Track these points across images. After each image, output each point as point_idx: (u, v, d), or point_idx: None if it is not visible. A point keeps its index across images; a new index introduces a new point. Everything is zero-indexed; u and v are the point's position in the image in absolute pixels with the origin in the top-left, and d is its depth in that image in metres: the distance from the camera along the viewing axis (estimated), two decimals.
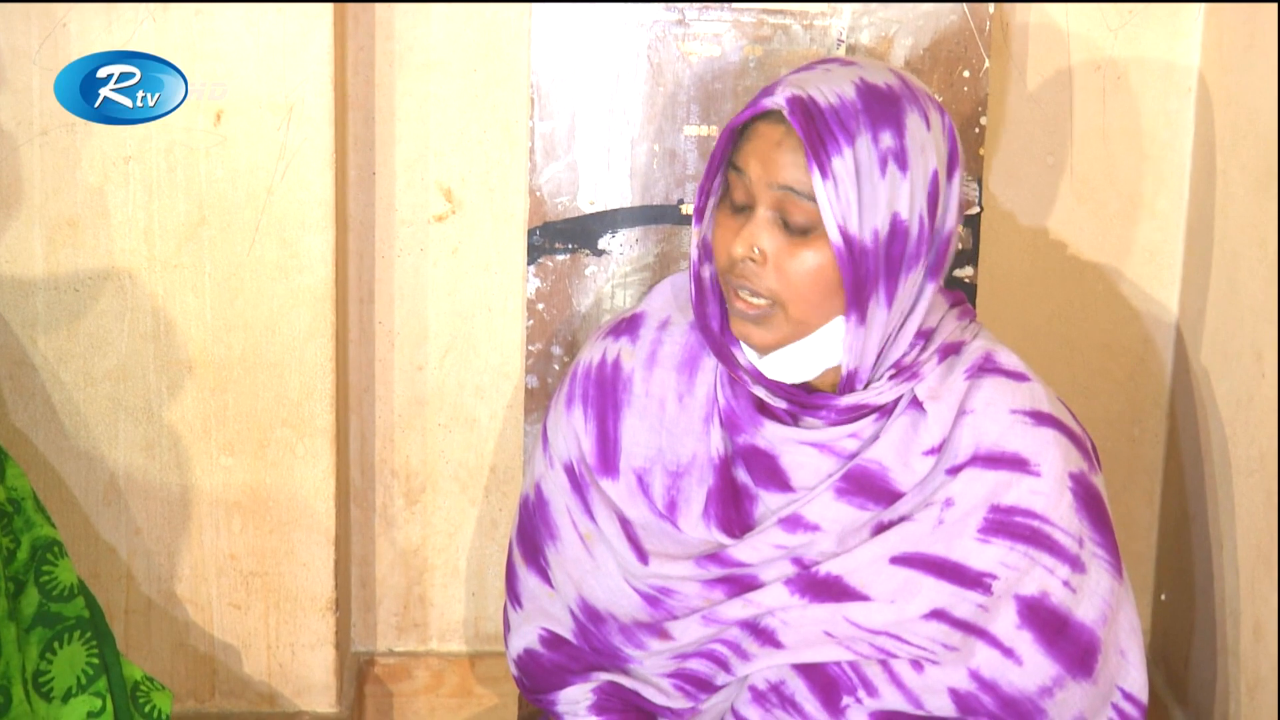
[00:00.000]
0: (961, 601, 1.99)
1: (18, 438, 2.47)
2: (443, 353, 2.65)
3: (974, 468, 1.98)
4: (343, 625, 2.63)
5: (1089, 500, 2.01)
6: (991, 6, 2.44)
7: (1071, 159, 2.61)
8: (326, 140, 2.42)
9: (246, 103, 2.40)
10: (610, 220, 2.49)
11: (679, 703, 2.11)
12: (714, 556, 2.03)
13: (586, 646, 2.15)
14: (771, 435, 2.03)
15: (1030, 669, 2.00)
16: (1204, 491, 2.52)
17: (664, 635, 2.07)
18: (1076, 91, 2.58)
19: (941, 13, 2.44)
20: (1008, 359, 2.04)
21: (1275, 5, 2.27)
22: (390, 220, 2.60)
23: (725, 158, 1.97)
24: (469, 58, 2.55)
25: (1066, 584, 2.00)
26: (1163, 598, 2.72)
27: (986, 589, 1.98)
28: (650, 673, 2.11)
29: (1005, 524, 1.98)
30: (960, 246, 2.50)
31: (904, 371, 1.99)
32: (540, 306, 2.51)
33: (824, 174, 1.88)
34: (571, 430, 2.13)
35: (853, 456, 2.01)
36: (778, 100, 1.90)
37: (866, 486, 2.00)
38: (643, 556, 2.07)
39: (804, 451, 2.02)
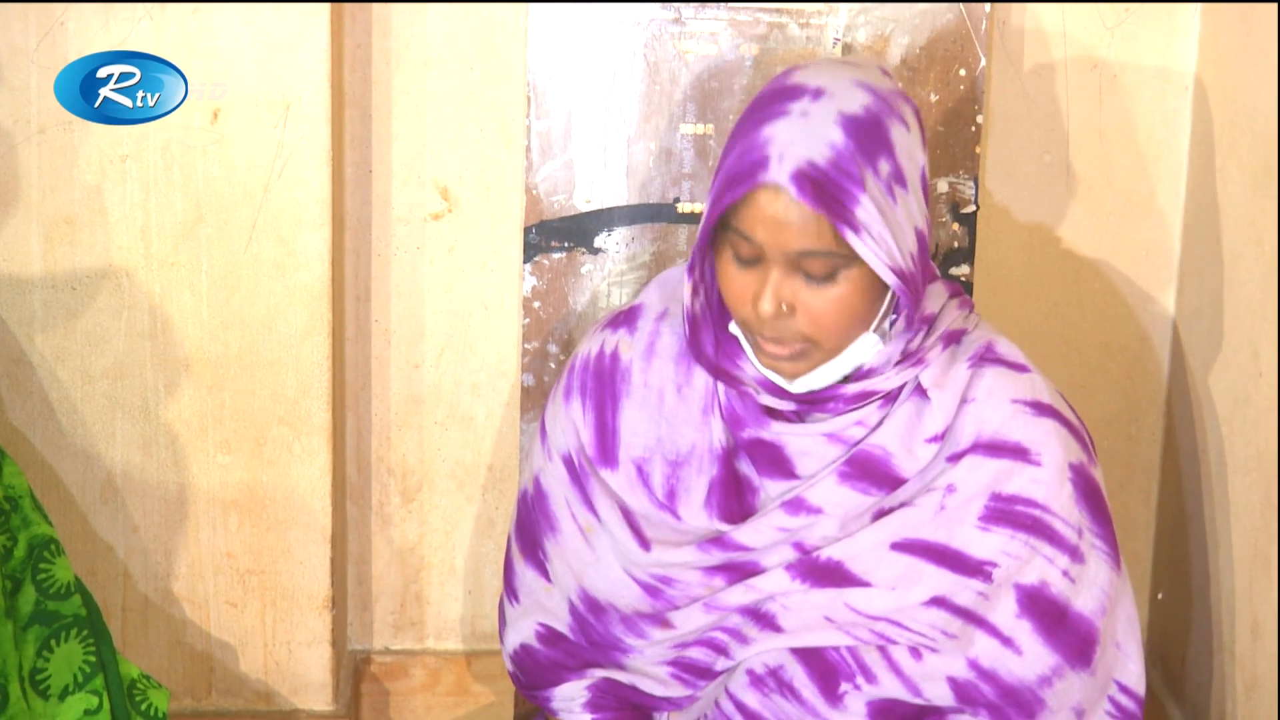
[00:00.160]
0: (962, 589, 1.99)
1: (15, 436, 2.47)
2: (439, 351, 2.65)
3: (975, 455, 1.99)
4: (339, 623, 2.63)
5: (1088, 491, 2.02)
6: (988, 5, 2.44)
7: (1068, 157, 2.61)
8: (323, 138, 2.42)
9: (243, 101, 2.40)
10: (606, 219, 2.49)
11: (677, 691, 2.11)
12: (716, 540, 2.04)
13: (584, 640, 2.15)
14: (778, 430, 2.04)
15: (1030, 658, 2.01)
16: (1201, 490, 2.52)
17: (666, 624, 2.07)
18: (1073, 90, 2.58)
19: (938, 11, 2.44)
20: (1008, 349, 2.05)
21: (1273, 4, 2.27)
22: (387, 218, 2.60)
23: (720, 217, 1.94)
24: (466, 56, 2.55)
25: (1066, 574, 2.00)
26: (1160, 597, 2.72)
27: (987, 577, 1.99)
28: (649, 662, 2.11)
29: (1006, 512, 1.99)
30: (956, 245, 2.50)
31: (910, 358, 2.00)
32: (536, 305, 2.51)
33: (855, 230, 1.87)
34: (570, 422, 2.13)
35: (858, 443, 2.01)
36: (778, 177, 1.87)
37: (870, 471, 2.00)
38: (645, 544, 2.07)
39: (810, 440, 2.03)
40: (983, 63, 2.45)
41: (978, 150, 2.48)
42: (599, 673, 2.15)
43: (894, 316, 1.99)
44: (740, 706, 2.07)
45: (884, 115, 1.91)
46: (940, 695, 2.03)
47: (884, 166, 1.89)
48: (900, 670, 2.03)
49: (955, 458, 2.00)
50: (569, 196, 2.48)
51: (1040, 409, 2.01)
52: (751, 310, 1.94)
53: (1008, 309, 2.64)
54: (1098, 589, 2.02)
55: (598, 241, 2.50)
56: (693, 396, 2.08)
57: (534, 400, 2.53)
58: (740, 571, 2.04)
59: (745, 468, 2.06)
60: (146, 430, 2.50)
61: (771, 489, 2.05)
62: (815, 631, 2.03)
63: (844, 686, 2.04)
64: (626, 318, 2.14)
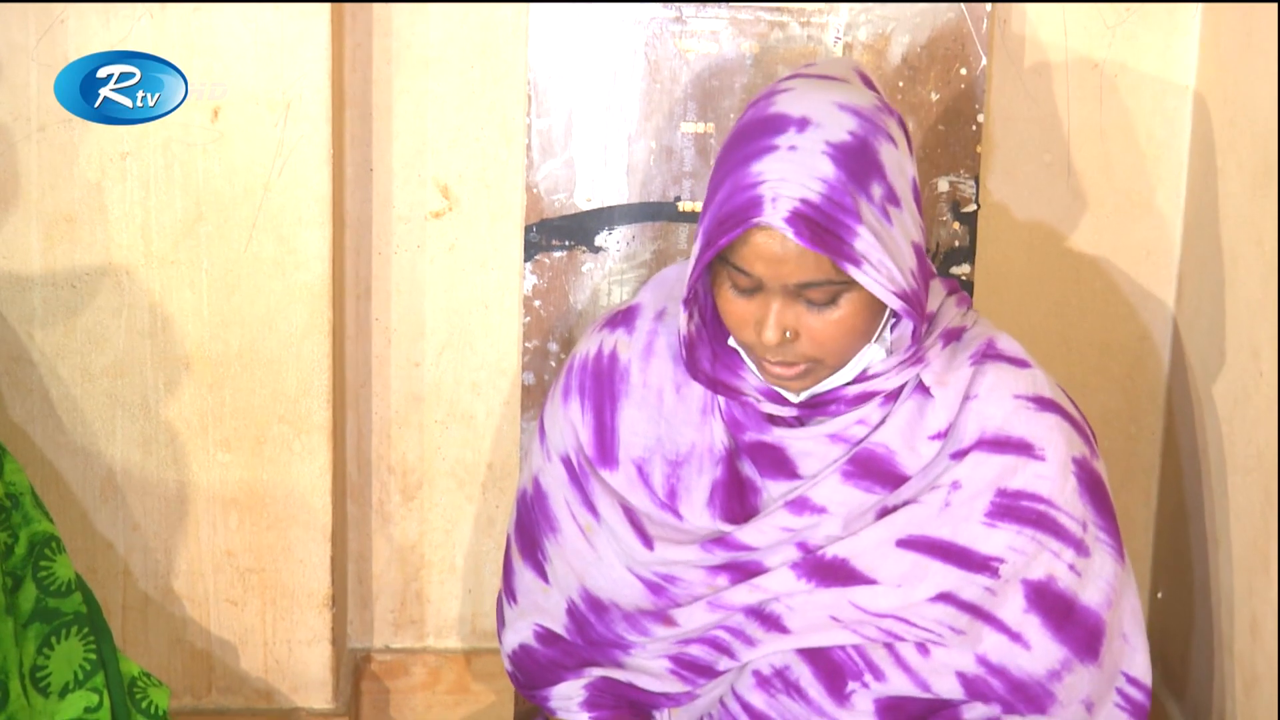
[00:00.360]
0: (968, 585, 2.00)
1: (15, 433, 2.47)
2: (440, 349, 2.65)
3: (980, 452, 1.99)
4: (339, 622, 2.63)
5: (1092, 485, 2.02)
6: (988, 5, 2.44)
7: (1069, 156, 2.61)
8: (324, 137, 2.42)
9: (244, 99, 2.40)
10: (607, 217, 2.49)
11: (675, 688, 2.11)
12: (719, 540, 2.04)
13: (582, 641, 2.15)
14: (780, 434, 2.04)
15: (1038, 653, 2.01)
16: (1201, 489, 2.52)
17: (669, 622, 2.07)
18: (1074, 89, 2.58)
19: (939, 10, 2.44)
20: (1008, 345, 2.05)
21: (1273, 4, 2.27)
22: (387, 217, 2.60)
23: (717, 251, 1.93)
24: (467, 55, 2.55)
25: (1072, 568, 2.01)
26: (1160, 595, 2.72)
27: (994, 573, 1.99)
28: (648, 657, 2.11)
29: (1012, 508, 1.99)
30: (957, 244, 2.50)
31: (910, 356, 2.00)
32: (537, 303, 2.51)
33: (856, 264, 1.87)
34: (569, 422, 2.13)
35: (860, 441, 2.01)
36: (772, 220, 1.86)
37: (873, 470, 2.00)
38: (647, 542, 2.07)
39: (812, 441, 2.03)
40: (983, 61, 2.45)
41: (978, 149, 2.48)
42: (597, 671, 2.15)
43: (894, 320, 2.00)
44: (747, 707, 2.07)
45: (871, 137, 1.90)
46: (949, 690, 2.03)
47: (876, 190, 1.89)
48: (908, 666, 2.03)
49: (959, 454, 2.00)
50: (569, 195, 2.48)
51: (1043, 404, 2.01)
52: (755, 337, 1.94)
53: (1008, 308, 2.64)
54: (1103, 582, 2.03)
55: (598, 240, 2.50)
56: (691, 396, 2.08)
57: (534, 399, 2.53)
58: (743, 571, 2.04)
59: (747, 469, 2.06)
60: (147, 428, 2.50)
61: (774, 489, 2.05)
62: (822, 631, 2.03)
63: (851, 685, 2.04)
64: (624, 317, 2.14)
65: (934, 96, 2.46)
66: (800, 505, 2.01)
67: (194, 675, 2.59)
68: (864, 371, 2.00)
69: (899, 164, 1.92)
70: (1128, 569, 2.06)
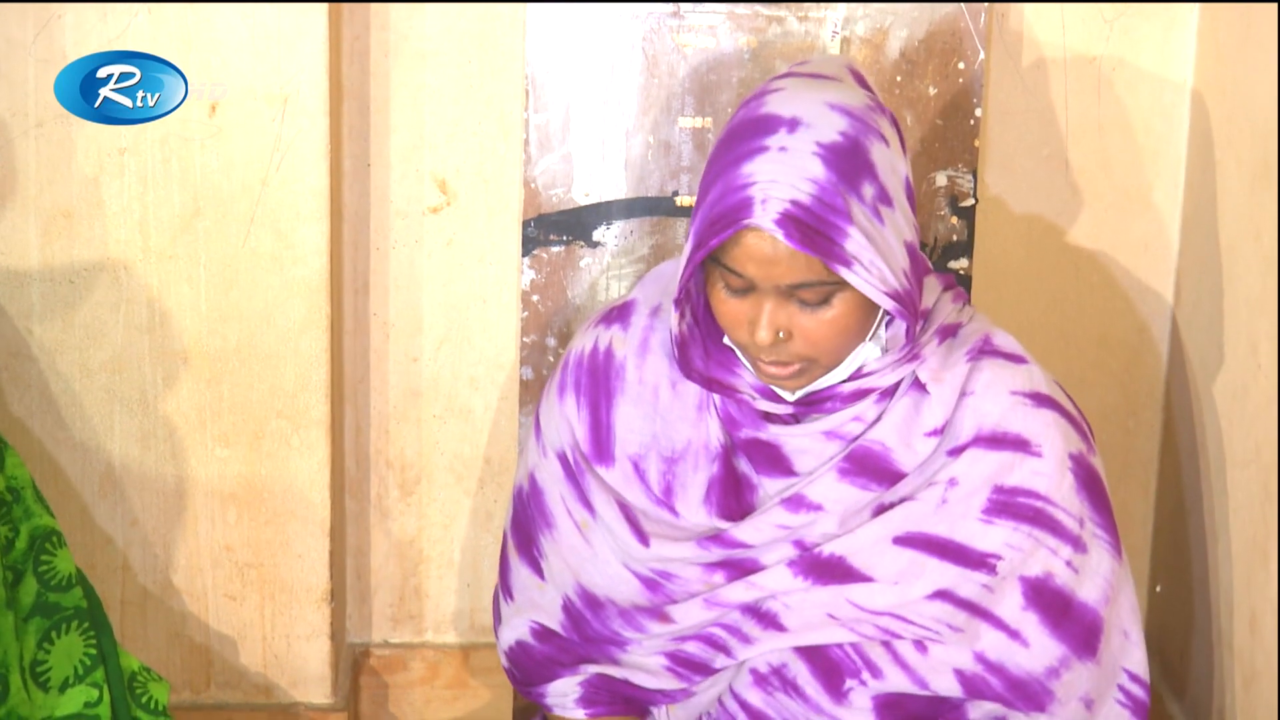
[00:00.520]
0: (966, 582, 2.00)
1: (16, 427, 2.47)
2: (438, 344, 2.65)
3: (976, 448, 1.99)
4: (338, 617, 2.63)
5: (1089, 481, 2.02)
6: (986, 3, 2.44)
7: (1067, 151, 2.61)
8: (321, 131, 2.42)
9: (241, 94, 2.40)
10: (605, 212, 2.49)
11: (670, 684, 2.11)
12: (715, 537, 2.04)
13: (578, 636, 2.15)
14: (776, 431, 2.04)
15: (1037, 650, 2.01)
16: (1199, 484, 2.52)
17: (664, 619, 2.07)
18: (1072, 83, 2.58)
19: (937, 5, 2.44)
20: (1005, 341, 2.05)
21: (1272, 2, 2.27)
22: (385, 212, 2.60)
23: (709, 252, 1.93)
24: (464, 49, 2.55)
25: (1069, 564, 2.01)
26: (1158, 590, 2.72)
27: (991, 569, 1.99)
28: (644, 654, 2.11)
29: (1009, 505, 1.99)
30: (955, 238, 2.50)
31: (906, 353, 2.00)
32: (535, 298, 2.51)
33: (847, 265, 1.87)
34: (564, 419, 2.13)
35: (856, 438, 2.01)
36: (762, 222, 1.86)
37: (869, 467, 2.00)
38: (643, 539, 2.07)
39: (808, 439, 2.03)
40: (981, 56, 2.45)
41: (976, 144, 2.48)
42: (592, 668, 2.15)
43: (889, 318, 2.00)
44: (744, 705, 2.07)
45: (862, 137, 1.90)
46: (948, 687, 2.03)
47: (868, 190, 1.89)
48: (906, 664, 2.03)
49: (956, 451, 2.00)
50: (567, 190, 2.48)
51: (1039, 400, 2.01)
52: (748, 337, 1.94)
53: (1006, 302, 2.64)
54: (1100, 578, 2.03)
55: (596, 235, 2.49)
56: (687, 392, 2.08)
57: (532, 393, 2.53)
58: (740, 569, 2.04)
59: (743, 466, 2.06)
60: (145, 423, 2.50)
61: (770, 487, 2.05)
62: (819, 629, 2.03)
63: (849, 683, 2.04)
64: (619, 314, 2.14)
65: (932, 91, 2.46)
66: (796, 503, 2.01)
67: (193, 670, 2.59)
68: (859, 369, 2.00)
69: (891, 163, 1.92)
70: (1125, 565, 2.06)
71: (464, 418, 2.67)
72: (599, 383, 2.12)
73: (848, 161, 1.88)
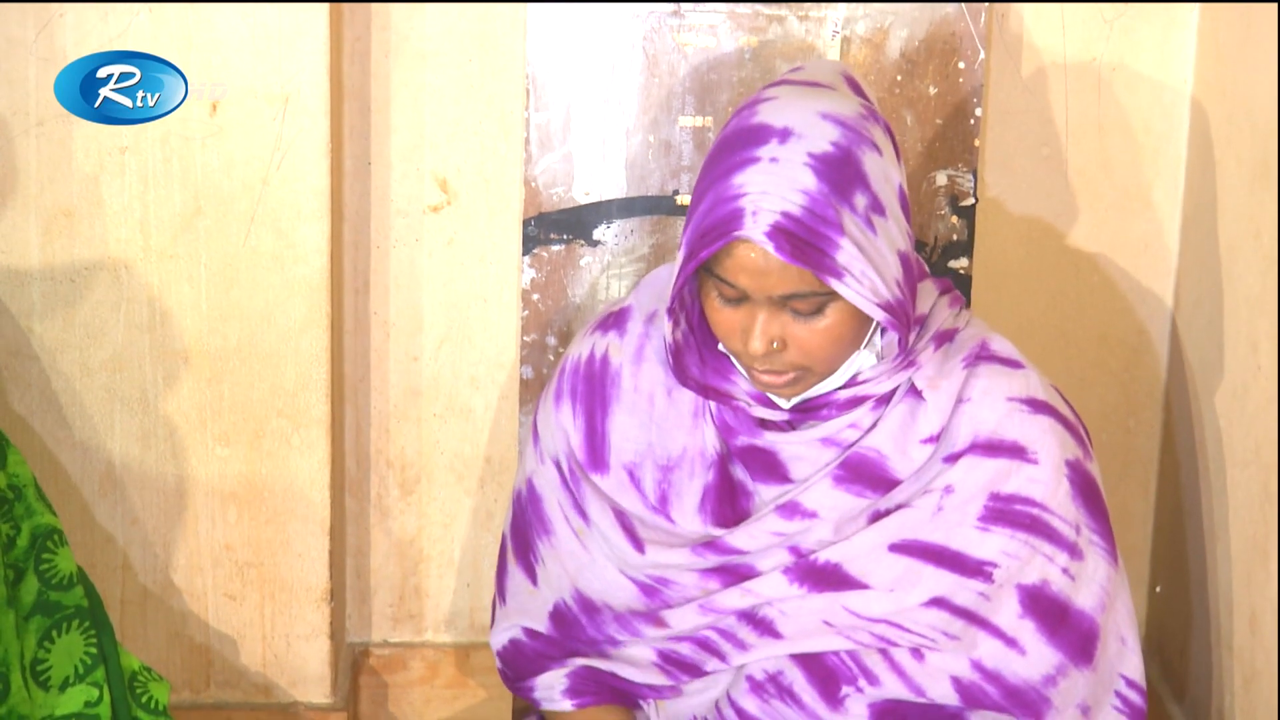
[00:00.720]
0: (962, 589, 1.99)
1: (17, 425, 2.47)
2: (438, 343, 2.65)
3: (973, 455, 1.99)
4: (338, 616, 2.63)
5: (1085, 488, 2.02)
6: (985, 3, 2.45)
7: (1067, 150, 2.61)
8: (322, 131, 2.42)
9: (242, 93, 2.40)
10: (605, 211, 2.49)
11: (658, 680, 2.10)
12: (710, 543, 2.04)
13: (567, 641, 2.15)
14: (772, 439, 2.04)
15: (1034, 658, 2.01)
16: (1199, 484, 2.52)
17: (660, 623, 2.07)
18: (1071, 83, 2.58)
19: (937, 5, 2.44)
20: (1002, 346, 2.05)
21: (1272, 2, 2.28)
22: (385, 211, 2.60)
23: (699, 263, 1.93)
24: (465, 48, 2.55)
25: (1065, 571, 2.00)
26: (1158, 590, 2.72)
27: (987, 577, 1.99)
28: (635, 648, 2.11)
29: (1005, 512, 1.99)
30: (955, 238, 2.50)
31: (902, 359, 2.00)
32: (535, 297, 2.51)
33: (838, 276, 1.87)
34: (560, 427, 2.14)
35: (851, 445, 2.01)
36: (753, 234, 1.86)
37: (864, 474, 2.00)
38: (638, 545, 2.07)
39: (804, 445, 2.03)
40: (981, 56, 2.45)
41: (976, 143, 2.48)
42: (579, 661, 2.15)
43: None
44: (740, 712, 2.07)
45: (854, 146, 1.90)
46: (944, 694, 2.03)
47: (860, 200, 1.88)
48: (902, 671, 2.02)
49: (952, 458, 1.99)
50: (568, 189, 2.48)
51: (1036, 406, 2.01)
52: (742, 346, 1.94)
53: (1006, 302, 2.64)
54: (1097, 585, 2.02)
55: (596, 234, 2.50)
56: (682, 399, 2.08)
57: (533, 392, 2.53)
58: (735, 575, 2.04)
59: (739, 473, 2.06)
60: (146, 422, 2.50)
61: (766, 493, 2.05)
62: (814, 637, 2.03)
63: (845, 690, 2.04)
64: (616, 320, 2.14)
65: (932, 91, 2.47)
66: (791, 510, 2.01)
67: (193, 669, 2.59)
68: (855, 376, 2.00)
69: (884, 172, 1.91)
70: (1121, 571, 2.06)
71: (464, 417, 2.67)
72: (594, 391, 2.12)
73: (839, 172, 1.88)
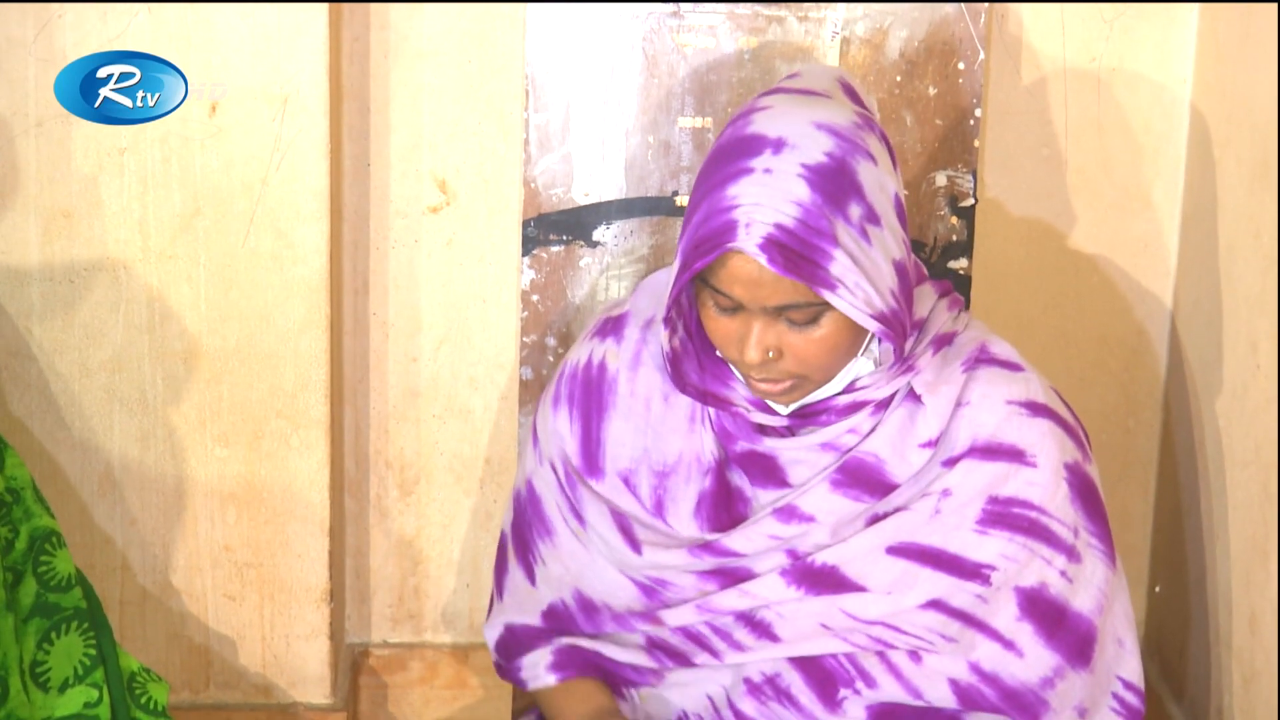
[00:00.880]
0: (959, 592, 1.99)
1: (15, 427, 2.47)
2: (437, 344, 2.65)
3: (971, 459, 1.99)
4: (337, 617, 2.63)
5: (1084, 490, 2.02)
6: (985, 3, 2.44)
7: (1066, 151, 2.61)
8: (321, 131, 2.42)
9: (241, 94, 2.40)
10: (605, 212, 2.49)
11: (642, 662, 2.09)
12: (707, 545, 2.04)
13: (559, 632, 2.15)
14: (771, 444, 2.04)
15: (1031, 660, 2.01)
16: (1199, 483, 2.52)
17: (657, 622, 2.07)
18: (1071, 83, 2.58)
19: (936, 6, 2.44)
20: (1001, 349, 2.05)
21: (1272, 2, 2.28)
22: (385, 211, 2.60)
23: (693, 274, 1.93)
24: (464, 48, 2.55)
25: (1063, 574, 2.00)
26: (1157, 590, 2.72)
27: (985, 580, 1.99)
28: (624, 635, 2.10)
29: (1004, 515, 1.98)
30: (955, 238, 2.50)
31: (901, 364, 1.99)
32: (535, 298, 2.51)
33: (831, 288, 1.87)
34: (557, 432, 2.14)
35: (850, 450, 2.01)
36: (746, 246, 1.86)
37: (862, 478, 2.00)
38: (636, 547, 2.07)
39: (803, 450, 2.03)
40: (981, 56, 2.45)
41: (976, 144, 2.48)
42: (565, 640, 2.14)
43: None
44: (739, 714, 2.07)
45: (849, 156, 1.89)
46: (942, 697, 2.03)
47: (855, 211, 1.88)
48: (900, 673, 2.02)
49: (951, 462, 1.99)
50: (567, 190, 2.48)
51: (1035, 409, 2.01)
52: (738, 354, 1.94)
53: (1005, 302, 2.64)
54: (1095, 588, 2.02)
55: (596, 234, 2.49)
56: (679, 404, 2.08)
57: (532, 393, 2.53)
58: (733, 577, 2.04)
59: (738, 479, 2.06)
60: (145, 423, 2.50)
61: (764, 498, 2.05)
62: (812, 640, 2.03)
63: (843, 692, 2.04)
64: (614, 326, 2.14)
65: (932, 91, 2.47)
66: (788, 513, 2.01)
67: (192, 670, 2.59)
68: (853, 382, 2.00)
69: (879, 181, 1.91)
70: (1119, 573, 2.06)
71: (463, 418, 2.67)
72: (591, 397, 2.12)
73: (833, 182, 1.88)
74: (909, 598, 2.00)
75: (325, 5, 2.38)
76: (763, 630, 2.03)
